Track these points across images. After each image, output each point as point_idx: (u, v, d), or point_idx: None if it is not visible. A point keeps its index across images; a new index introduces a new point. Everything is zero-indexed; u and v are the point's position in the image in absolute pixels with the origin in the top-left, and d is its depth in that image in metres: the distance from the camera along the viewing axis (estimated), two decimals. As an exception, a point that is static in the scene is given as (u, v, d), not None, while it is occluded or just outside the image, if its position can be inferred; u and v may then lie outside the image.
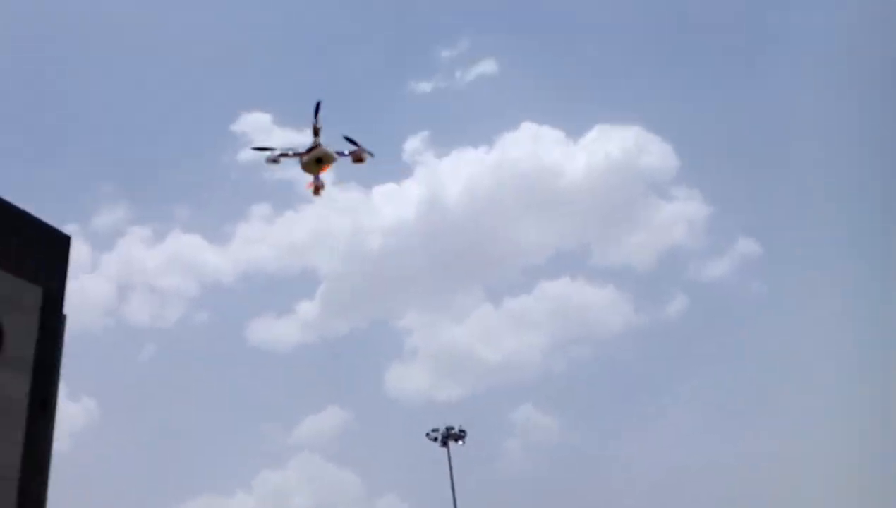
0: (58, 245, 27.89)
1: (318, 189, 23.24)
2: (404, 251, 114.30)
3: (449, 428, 60.41)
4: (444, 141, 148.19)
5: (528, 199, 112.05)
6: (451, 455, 62.22)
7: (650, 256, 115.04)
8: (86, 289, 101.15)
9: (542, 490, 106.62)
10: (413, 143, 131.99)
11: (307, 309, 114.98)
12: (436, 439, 60.56)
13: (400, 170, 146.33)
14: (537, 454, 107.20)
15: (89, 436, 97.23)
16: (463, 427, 60.83)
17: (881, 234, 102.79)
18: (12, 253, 25.71)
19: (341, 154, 23.09)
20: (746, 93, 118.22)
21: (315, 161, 22.54)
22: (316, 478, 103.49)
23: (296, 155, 22.90)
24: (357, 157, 23.78)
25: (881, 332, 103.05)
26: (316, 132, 23.01)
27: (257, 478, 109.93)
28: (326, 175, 22.45)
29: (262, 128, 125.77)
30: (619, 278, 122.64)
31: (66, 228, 28.75)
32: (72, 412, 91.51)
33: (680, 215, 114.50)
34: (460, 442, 60.91)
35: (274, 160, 23.17)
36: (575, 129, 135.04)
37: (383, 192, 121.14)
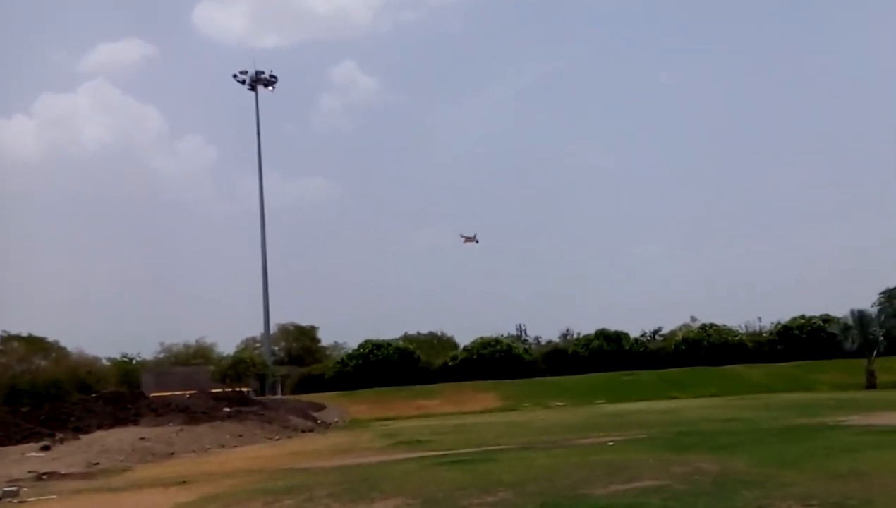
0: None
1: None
2: None
3: (259, 72, 58.93)
4: None
5: None
6: (264, 104, 61.95)
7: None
8: None
9: (354, 147, 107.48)
10: None
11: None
12: (244, 81, 58.99)
13: None
14: (354, 112, 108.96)
15: None
16: (274, 74, 59.47)
17: None
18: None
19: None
20: None
21: None
22: (111, 110, 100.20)
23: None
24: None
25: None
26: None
27: (38, 101, 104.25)
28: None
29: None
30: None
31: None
32: None
33: None
34: (270, 89, 59.62)
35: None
36: None
37: None
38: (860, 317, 47.99)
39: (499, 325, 71.13)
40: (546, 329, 71.59)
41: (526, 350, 57.83)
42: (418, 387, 48.43)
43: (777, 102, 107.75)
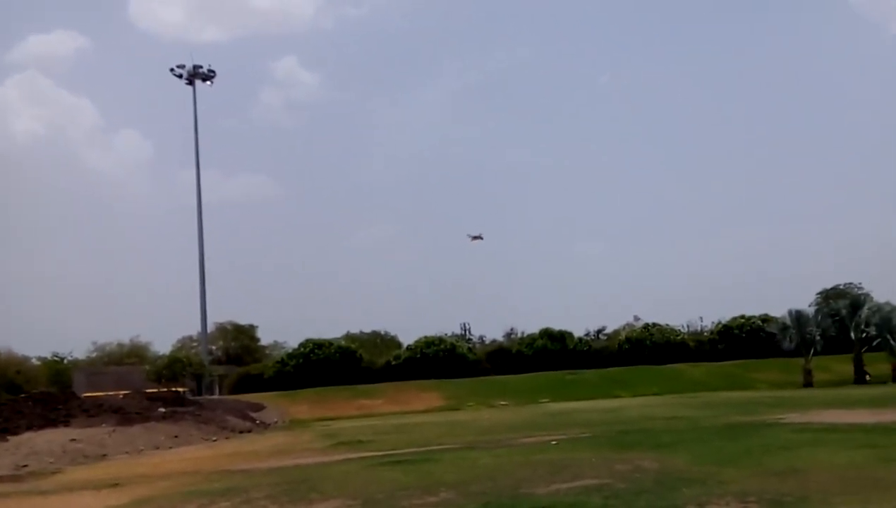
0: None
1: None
2: None
3: (196, 66, 58.56)
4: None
5: None
6: (203, 99, 61.87)
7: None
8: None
9: (296, 144, 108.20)
10: None
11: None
12: (181, 76, 58.58)
13: None
14: (296, 108, 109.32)
15: None
16: (212, 68, 59.08)
17: None
18: None
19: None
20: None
21: None
22: (43, 103, 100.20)
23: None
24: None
25: None
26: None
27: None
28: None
29: None
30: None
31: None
32: None
33: None
34: (208, 83, 59.37)
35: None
36: None
37: None
38: (798, 317, 49.26)
39: (443, 324, 71.34)
40: (490, 328, 72.05)
41: (470, 349, 58.06)
42: (360, 387, 48.26)
43: (716, 105, 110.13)
